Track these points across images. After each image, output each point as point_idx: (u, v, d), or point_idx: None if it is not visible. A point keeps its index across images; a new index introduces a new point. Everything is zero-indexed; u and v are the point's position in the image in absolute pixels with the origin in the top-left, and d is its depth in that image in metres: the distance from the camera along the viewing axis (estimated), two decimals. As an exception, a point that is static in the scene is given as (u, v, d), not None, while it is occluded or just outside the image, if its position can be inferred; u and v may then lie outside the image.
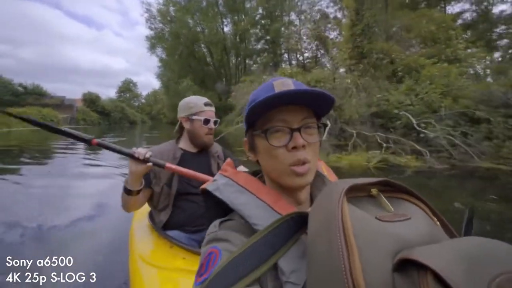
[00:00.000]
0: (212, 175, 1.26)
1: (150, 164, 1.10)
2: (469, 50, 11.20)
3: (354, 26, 10.64)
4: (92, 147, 1.17)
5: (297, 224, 0.38)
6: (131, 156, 1.08)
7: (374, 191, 0.35)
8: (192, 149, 1.36)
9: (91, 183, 4.38)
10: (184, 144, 1.36)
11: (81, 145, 8.75)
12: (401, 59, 10.11)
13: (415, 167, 5.40)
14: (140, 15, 46.59)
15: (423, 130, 6.45)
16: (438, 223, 0.35)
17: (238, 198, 0.46)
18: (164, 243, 1.16)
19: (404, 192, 0.37)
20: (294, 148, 0.45)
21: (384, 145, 6.26)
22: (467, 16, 17.75)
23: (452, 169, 5.28)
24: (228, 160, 0.56)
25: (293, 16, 26.97)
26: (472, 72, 9.73)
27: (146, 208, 1.41)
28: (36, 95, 31.27)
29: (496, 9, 17.07)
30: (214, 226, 0.46)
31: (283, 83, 0.47)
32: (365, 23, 10.39)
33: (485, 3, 16.83)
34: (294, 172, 0.45)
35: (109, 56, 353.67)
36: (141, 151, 1.10)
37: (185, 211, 1.27)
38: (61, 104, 34.36)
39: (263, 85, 0.50)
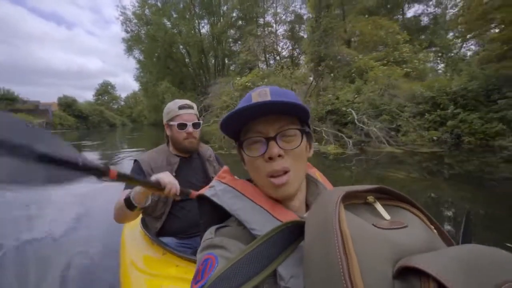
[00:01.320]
0: (210, 178, 1.30)
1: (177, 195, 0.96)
2: (421, 54, 12.71)
3: (314, 32, 11.82)
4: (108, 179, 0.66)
5: (295, 232, 0.37)
6: (159, 188, 0.89)
7: (370, 198, 0.36)
8: (182, 154, 1.31)
9: (75, 188, 3.97)
10: (174, 150, 1.31)
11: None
12: (354, 62, 11.42)
13: (335, 153, 6.75)
14: (115, 18, 45.66)
15: (359, 124, 7.67)
16: (435, 231, 0.36)
17: (236, 204, 0.46)
18: (156, 250, 1.14)
19: (400, 200, 0.38)
20: (270, 158, 0.45)
21: (325, 137, 7.44)
22: (425, 19, 19.51)
23: (361, 154, 6.70)
24: (225, 167, 0.56)
25: (269, 17, 28.17)
26: (413, 72, 11.17)
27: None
28: (8, 100, 30.32)
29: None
30: (210, 233, 0.45)
31: (260, 94, 0.47)
32: (323, 29, 11.58)
33: (437, 8, 18.65)
34: (272, 183, 0.45)
35: (84, 57, 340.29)
36: (172, 182, 0.94)
37: (179, 218, 1.24)
38: (35, 109, 33.40)
39: (245, 96, 0.50)
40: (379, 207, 0.35)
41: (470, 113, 6.45)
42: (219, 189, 0.49)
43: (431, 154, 6.08)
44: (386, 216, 0.34)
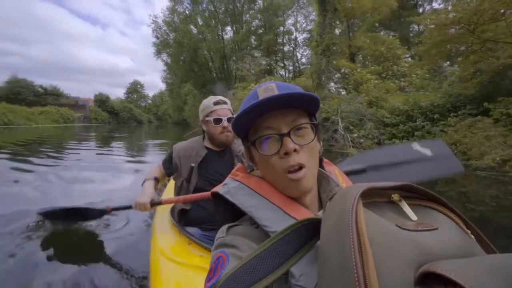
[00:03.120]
0: None
1: (150, 207, 1.27)
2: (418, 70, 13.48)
3: (317, 47, 13.12)
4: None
5: (311, 230, 0.35)
6: (133, 207, 1.29)
7: (395, 197, 0.33)
8: (215, 148, 1.37)
9: (111, 176, 4.48)
10: (208, 143, 1.39)
11: (92, 145, 10.84)
12: (352, 75, 12.54)
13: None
14: (147, 25, 49.29)
15: (342, 132, 8.89)
16: (472, 236, 0.32)
17: (249, 201, 0.46)
18: (183, 239, 1.22)
19: (430, 200, 0.34)
20: (286, 154, 0.44)
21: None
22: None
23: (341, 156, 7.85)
24: (239, 165, 0.57)
25: (290, 24, 29.75)
26: (406, 85, 12.03)
27: (168, 205, 1.50)
28: (54, 95, 34.70)
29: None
30: (222, 232, 0.45)
31: (266, 89, 0.46)
32: (326, 44, 12.84)
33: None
34: (289, 179, 0.45)
35: (115, 55, 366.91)
36: (140, 203, 1.26)
37: (204, 209, 1.30)
38: (75, 104, 37.79)
39: (250, 93, 0.49)
40: (405, 206, 0.32)
41: (434, 125, 7.48)
42: (232, 187, 0.49)
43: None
44: (413, 216, 0.31)
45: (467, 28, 6.02)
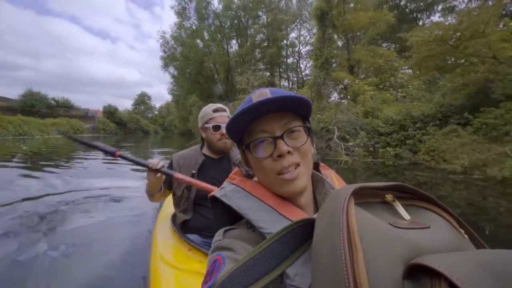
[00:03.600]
0: None
1: (159, 174, 1.24)
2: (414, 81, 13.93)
3: (316, 60, 13.72)
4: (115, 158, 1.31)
5: (305, 232, 0.35)
6: (146, 166, 1.23)
7: (389, 197, 0.33)
8: (213, 155, 1.40)
9: (115, 185, 4.48)
10: (206, 150, 1.42)
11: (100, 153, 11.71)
12: (351, 86, 13.03)
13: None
14: (156, 41, 51.11)
15: (337, 141, 9.28)
16: (466, 236, 0.32)
17: (245, 203, 0.46)
18: (183, 245, 1.23)
19: (424, 200, 0.35)
20: (280, 156, 0.45)
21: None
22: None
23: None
24: (236, 169, 0.58)
25: (293, 38, 30.79)
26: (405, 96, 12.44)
27: (169, 211, 1.57)
28: (65, 107, 36.11)
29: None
30: (218, 235, 0.46)
31: (260, 94, 0.47)
32: (324, 57, 13.43)
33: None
34: (283, 180, 0.46)
35: (123, 68, 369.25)
36: (153, 161, 1.23)
37: (204, 217, 1.32)
38: (85, 116, 39.14)
39: (246, 98, 0.50)
40: (398, 206, 0.32)
41: (424, 134, 7.83)
42: (228, 190, 0.49)
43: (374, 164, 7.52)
44: (406, 216, 0.31)
45: (451, 44, 6.48)
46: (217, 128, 1.31)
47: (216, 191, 0.51)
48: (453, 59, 7.12)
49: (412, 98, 11.77)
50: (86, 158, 8.59)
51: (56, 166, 6.41)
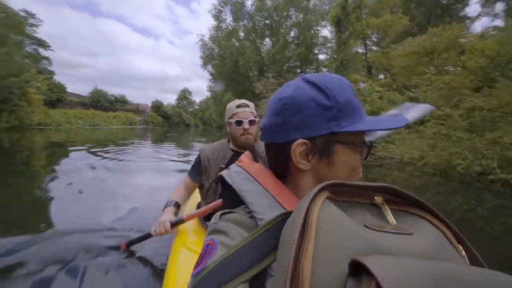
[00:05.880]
0: None
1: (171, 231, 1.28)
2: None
3: (332, 63, 15.00)
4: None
5: None
6: (149, 236, 1.35)
7: (378, 199, 0.32)
8: (239, 150, 1.43)
9: (149, 177, 4.82)
10: (232, 145, 1.46)
11: (146, 143, 13.13)
12: (364, 88, 14.09)
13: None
14: (195, 43, 54.37)
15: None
16: (463, 253, 0.30)
17: (245, 185, 0.46)
18: (204, 232, 1.28)
19: (420, 208, 0.33)
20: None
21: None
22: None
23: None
24: (246, 152, 0.58)
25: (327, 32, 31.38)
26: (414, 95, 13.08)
27: (196, 200, 1.64)
28: (122, 102, 42.41)
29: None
30: (215, 217, 0.45)
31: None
32: (340, 60, 14.65)
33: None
34: (356, 178, 0.47)
35: (165, 63, 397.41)
36: (159, 225, 1.27)
37: None
38: (136, 110, 45.34)
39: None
40: (386, 210, 0.31)
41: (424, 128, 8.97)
42: (233, 171, 0.50)
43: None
44: (392, 221, 0.30)
45: (428, 57, 7.70)
46: (239, 123, 1.35)
47: (223, 171, 0.51)
48: (431, 68, 8.23)
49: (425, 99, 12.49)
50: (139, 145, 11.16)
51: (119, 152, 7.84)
